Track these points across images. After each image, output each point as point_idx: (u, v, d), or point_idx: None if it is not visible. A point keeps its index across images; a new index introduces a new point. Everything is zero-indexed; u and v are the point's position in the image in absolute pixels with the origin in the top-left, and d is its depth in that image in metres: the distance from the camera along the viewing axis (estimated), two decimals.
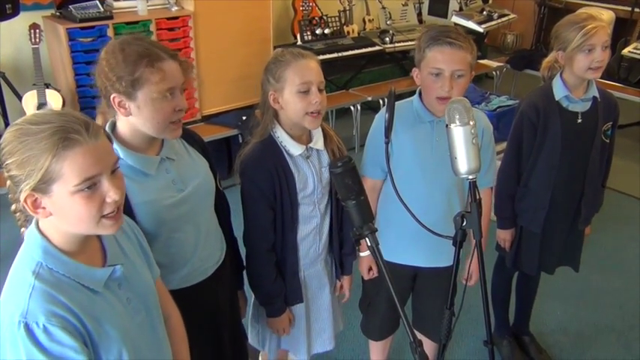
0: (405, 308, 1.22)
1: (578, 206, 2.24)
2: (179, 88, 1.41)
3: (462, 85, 1.75)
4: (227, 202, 1.81)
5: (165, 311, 1.35)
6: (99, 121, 1.48)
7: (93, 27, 3.60)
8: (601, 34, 1.98)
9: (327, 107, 1.75)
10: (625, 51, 5.12)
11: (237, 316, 1.88)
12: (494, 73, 5.68)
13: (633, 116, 4.95)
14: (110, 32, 3.66)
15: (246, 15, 4.18)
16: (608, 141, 2.19)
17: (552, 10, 6.31)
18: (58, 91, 3.66)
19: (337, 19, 5.03)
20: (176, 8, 3.96)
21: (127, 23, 3.74)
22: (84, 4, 3.65)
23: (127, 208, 1.32)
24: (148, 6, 3.88)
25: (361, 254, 2.01)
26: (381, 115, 1.87)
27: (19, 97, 3.61)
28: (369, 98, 4.76)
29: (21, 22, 3.64)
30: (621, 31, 5.64)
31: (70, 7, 3.62)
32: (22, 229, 1.16)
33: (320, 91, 1.66)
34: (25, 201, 1.04)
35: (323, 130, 1.80)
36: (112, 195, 1.06)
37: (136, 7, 3.84)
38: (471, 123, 1.30)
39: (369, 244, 1.18)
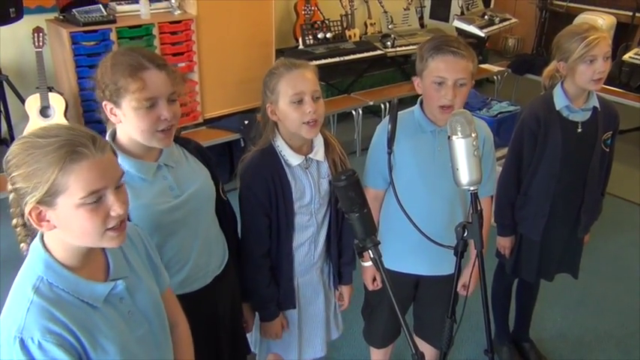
0: (406, 315, 1.23)
1: (577, 214, 2.25)
2: (164, 97, 1.41)
3: (464, 93, 1.77)
4: (232, 211, 1.80)
5: (172, 320, 1.35)
6: (109, 130, 1.51)
7: (96, 31, 3.63)
8: (602, 45, 1.99)
9: (328, 112, 1.76)
10: (626, 56, 5.14)
11: (238, 328, 1.85)
12: (495, 77, 5.66)
13: (634, 122, 4.95)
14: (113, 36, 3.68)
15: (249, 19, 4.20)
16: (607, 150, 2.20)
17: (554, 15, 6.29)
18: (61, 94, 3.68)
19: (339, 23, 5.04)
20: (179, 12, 3.98)
21: (130, 27, 3.76)
22: (87, 7, 3.68)
23: None
24: (151, 10, 3.89)
25: (365, 264, 2.01)
26: (384, 126, 1.88)
27: (22, 101, 3.62)
28: (371, 102, 4.78)
29: (24, 25, 3.66)
30: (622, 37, 5.66)
31: (74, 10, 3.64)
32: (22, 245, 1.16)
33: (316, 99, 1.66)
34: (30, 214, 1.05)
35: (325, 139, 1.80)
36: (116, 209, 1.07)
37: (139, 11, 3.87)
38: (473, 135, 1.31)
39: (372, 256, 1.19)
